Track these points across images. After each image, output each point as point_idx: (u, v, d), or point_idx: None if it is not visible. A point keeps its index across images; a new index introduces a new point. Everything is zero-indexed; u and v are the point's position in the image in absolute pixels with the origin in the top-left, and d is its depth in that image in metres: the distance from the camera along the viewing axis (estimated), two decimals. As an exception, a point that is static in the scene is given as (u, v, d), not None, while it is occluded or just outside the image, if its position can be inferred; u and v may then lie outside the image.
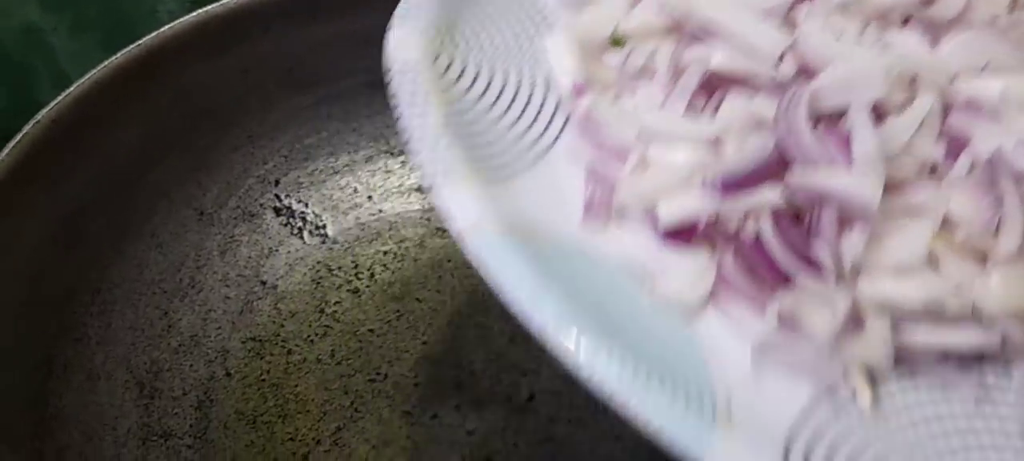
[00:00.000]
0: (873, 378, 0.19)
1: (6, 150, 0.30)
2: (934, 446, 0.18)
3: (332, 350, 0.38)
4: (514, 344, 0.38)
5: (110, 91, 0.33)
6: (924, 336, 0.19)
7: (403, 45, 0.24)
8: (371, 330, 0.39)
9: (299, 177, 0.41)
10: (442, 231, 0.42)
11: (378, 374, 0.37)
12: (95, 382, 0.33)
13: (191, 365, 0.36)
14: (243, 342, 0.38)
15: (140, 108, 0.34)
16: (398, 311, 0.39)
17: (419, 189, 0.43)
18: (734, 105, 0.21)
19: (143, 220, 0.36)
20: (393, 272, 0.41)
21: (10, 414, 0.28)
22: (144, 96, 0.34)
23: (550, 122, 0.24)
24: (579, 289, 0.19)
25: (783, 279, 0.20)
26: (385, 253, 0.41)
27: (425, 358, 0.38)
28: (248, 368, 0.37)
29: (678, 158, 0.21)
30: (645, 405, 0.17)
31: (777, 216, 0.20)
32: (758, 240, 0.20)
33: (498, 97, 0.24)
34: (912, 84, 0.20)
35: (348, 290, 0.40)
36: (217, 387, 0.36)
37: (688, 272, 0.21)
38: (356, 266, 0.41)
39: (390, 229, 0.42)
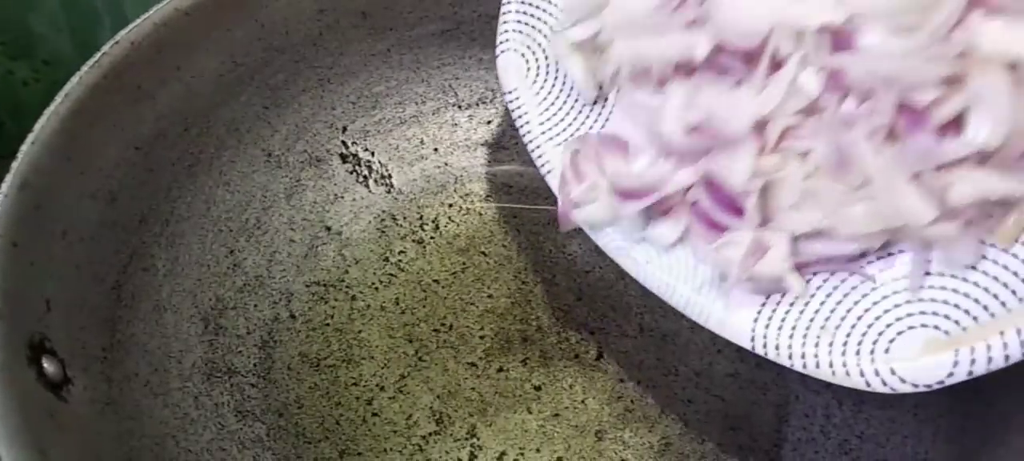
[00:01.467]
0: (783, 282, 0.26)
1: (86, 67, 0.29)
2: (834, 320, 0.25)
3: (396, 298, 0.37)
4: (582, 302, 0.37)
5: (190, 17, 0.32)
6: (815, 249, 0.26)
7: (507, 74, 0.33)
8: (436, 281, 0.38)
9: (366, 125, 0.40)
10: (508, 187, 0.41)
11: (443, 324, 0.36)
12: (162, 314, 0.32)
13: (255, 305, 0.35)
14: (307, 286, 0.37)
15: (219, 38, 0.34)
16: (463, 264, 0.38)
17: (485, 144, 0.42)
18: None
19: (213, 156, 0.35)
20: (458, 225, 0.40)
21: (83, 334, 0.28)
22: (224, 25, 0.34)
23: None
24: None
25: (720, 227, 0.27)
26: (450, 206, 0.40)
27: (491, 312, 0.37)
28: (312, 312, 0.36)
29: (638, 165, 0.29)
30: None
31: (709, 185, 0.26)
32: (697, 203, 0.27)
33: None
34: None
35: (413, 240, 0.39)
36: (281, 328, 0.35)
37: (667, 229, 0.29)
38: (421, 217, 0.40)
39: (455, 182, 0.41)
